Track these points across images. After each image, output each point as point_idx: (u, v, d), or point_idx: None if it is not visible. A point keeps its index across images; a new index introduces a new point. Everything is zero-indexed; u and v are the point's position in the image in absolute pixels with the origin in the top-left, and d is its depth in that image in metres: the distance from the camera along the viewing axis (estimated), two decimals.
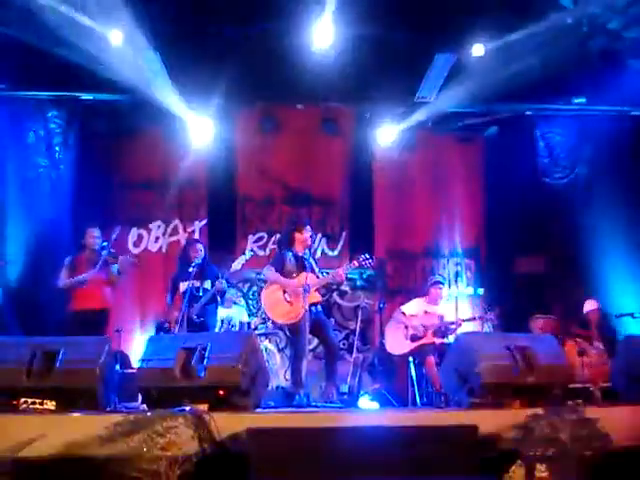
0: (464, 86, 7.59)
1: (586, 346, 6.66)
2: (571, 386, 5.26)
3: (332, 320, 8.01)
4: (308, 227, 6.11)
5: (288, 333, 6.29)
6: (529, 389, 4.65)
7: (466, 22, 6.81)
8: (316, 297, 5.85)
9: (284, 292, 5.92)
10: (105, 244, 6.56)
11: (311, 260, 6.02)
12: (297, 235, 6.05)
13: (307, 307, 5.57)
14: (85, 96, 8.15)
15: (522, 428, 4.01)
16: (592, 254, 8.15)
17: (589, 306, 7.38)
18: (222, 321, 7.37)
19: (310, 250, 6.15)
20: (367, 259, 5.97)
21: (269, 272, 6.02)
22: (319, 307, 6.04)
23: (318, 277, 5.96)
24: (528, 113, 8.63)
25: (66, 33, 6.63)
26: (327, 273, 6.15)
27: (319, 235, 8.51)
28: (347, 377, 7.47)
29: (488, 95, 7.76)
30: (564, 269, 8.33)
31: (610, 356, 6.62)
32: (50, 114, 8.25)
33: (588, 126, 8.49)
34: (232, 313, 7.53)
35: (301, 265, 5.90)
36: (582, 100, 8.40)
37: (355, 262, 6.02)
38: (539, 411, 4.08)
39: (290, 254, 6.00)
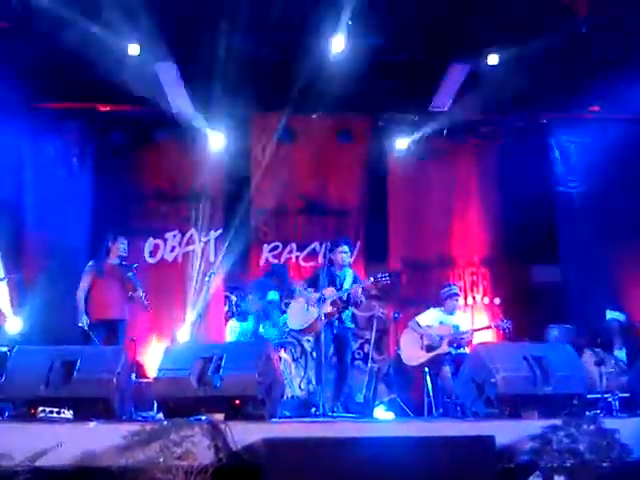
0: (479, 95, 7.58)
1: (604, 356, 6.59)
2: (589, 396, 5.21)
3: None
4: (340, 247, 6.37)
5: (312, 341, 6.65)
6: (547, 399, 4.61)
7: (481, 31, 6.79)
8: (328, 308, 6.02)
9: (307, 303, 6.23)
10: (134, 266, 6.65)
11: (348, 276, 6.29)
12: (331, 256, 6.41)
13: (322, 316, 5.87)
14: (102, 108, 8.24)
15: (540, 439, 3.98)
16: (608, 263, 8.09)
17: (612, 316, 7.31)
18: (236, 334, 7.41)
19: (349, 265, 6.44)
20: (384, 276, 6.14)
21: (299, 288, 6.47)
22: (348, 323, 6.26)
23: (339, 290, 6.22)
24: (543, 121, 8.60)
25: (84, 46, 6.71)
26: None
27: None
28: (362, 387, 7.44)
29: (503, 104, 7.75)
30: (580, 278, 8.27)
31: (629, 366, 6.55)
32: (68, 126, 8.34)
33: (603, 134, 8.43)
34: (246, 326, 7.55)
35: (332, 281, 6.20)
36: (597, 108, 8.36)
37: (371, 279, 6.21)
38: (557, 422, 4.05)
39: (324, 272, 6.25)
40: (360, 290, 6.12)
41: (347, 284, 6.23)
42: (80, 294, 6.46)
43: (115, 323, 6.44)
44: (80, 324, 6.35)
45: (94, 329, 6.31)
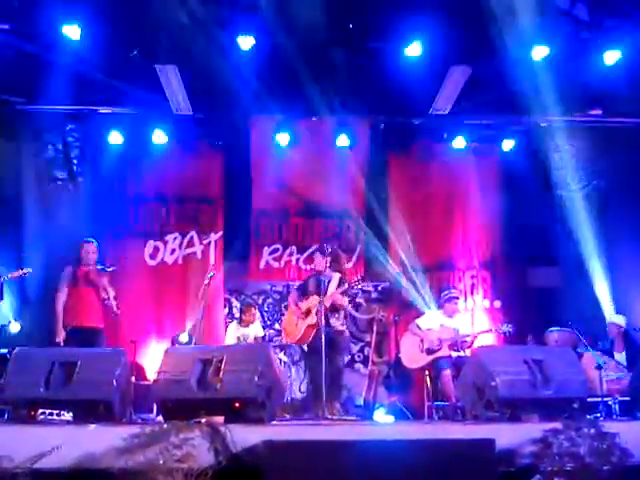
0: (479, 98, 7.60)
1: (605, 359, 6.59)
2: (589, 400, 5.20)
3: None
4: (315, 254, 6.54)
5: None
6: (547, 403, 4.60)
7: (481, 35, 6.81)
8: (313, 319, 6.12)
9: (295, 316, 6.37)
10: (108, 269, 6.54)
11: (333, 281, 6.26)
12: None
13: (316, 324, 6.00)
14: (102, 110, 8.25)
15: (540, 442, 3.97)
16: (608, 266, 8.09)
17: (613, 319, 7.31)
18: (238, 338, 7.42)
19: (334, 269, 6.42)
20: (357, 280, 6.46)
21: (290, 296, 6.65)
22: (338, 327, 6.24)
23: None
24: (543, 125, 8.61)
25: (84, 47, 6.74)
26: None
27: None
28: (362, 390, 7.44)
29: (503, 107, 7.76)
30: (580, 281, 8.27)
31: (629, 370, 6.55)
32: (68, 128, 8.36)
33: (604, 138, 8.44)
34: (247, 331, 7.57)
35: (317, 287, 6.19)
36: (598, 112, 8.37)
37: (346, 284, 6.30)
38: (557, 425, 4.04)
39: (313, 278, 6.39)
40: (338, 295, 6.16)
41: (331, 289, 6.23)
42: (58, 307, 6.29)
43: (90, 331, 6.25)
44: (57, 339, 6.18)
45: (70, 337, 6.19)
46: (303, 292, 6.41)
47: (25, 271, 6.60)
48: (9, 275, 6.45)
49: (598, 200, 8.44)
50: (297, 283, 7.38)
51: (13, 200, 7.96)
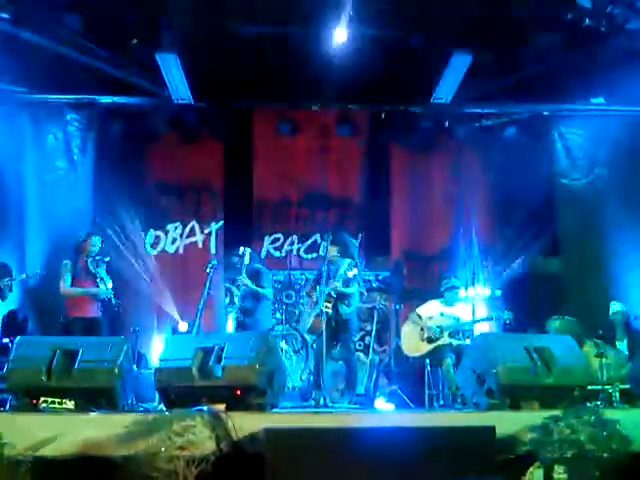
0: (481, 86, 7.56)
1: (605, 347, 6.59)
2: (590, 388, 5.22)
3: None
4: (327, 246, 6.48)
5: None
6: (547, 390, 4.62)
7: (483, 23, 6.77)
8: (322, 305, 6.04)
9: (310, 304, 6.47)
10: (106, 259, 6.61)
11: (341, 267, 6.19)
12: None
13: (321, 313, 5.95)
14: (103, 99, 8.22)
15: (540, 429, 3.99)
16: (609, 255, 8.09)
17: (615, 308, 7.31)
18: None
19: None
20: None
21: (310, 286, 6.67)
22: (344, 315, 6.17)
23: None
24: (546, 114, 8.57)
25: (85, 36, 6.72)
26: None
27: None
28: (363, 378, 7.46)
29: (505, 95, 7.72)
30: (581, 270, 8.28)
31: (629, 358, 6.57)
32: (69, 117, 8.32)
33: (607, 126, 8.41)
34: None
35: (326, 277, 6.19)
36: (600, 100, 8.33)
37: (354, 271, 6.26)
38: (557, 412, 4.06)
39: (324, 268, 6.29)
40: (336, 282, 6.10)
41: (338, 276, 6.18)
42: (69, 289, 6.40)
43: (91, 321, 6.33)
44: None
45: (71, 326, 6.25)
46: (317, 282, 6.36)
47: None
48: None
49: (600, 189, 8.42)
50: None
51: (14, 189, 7.95)
